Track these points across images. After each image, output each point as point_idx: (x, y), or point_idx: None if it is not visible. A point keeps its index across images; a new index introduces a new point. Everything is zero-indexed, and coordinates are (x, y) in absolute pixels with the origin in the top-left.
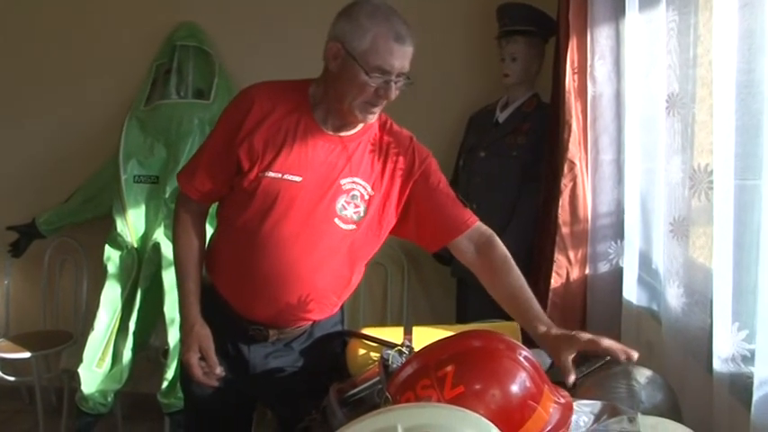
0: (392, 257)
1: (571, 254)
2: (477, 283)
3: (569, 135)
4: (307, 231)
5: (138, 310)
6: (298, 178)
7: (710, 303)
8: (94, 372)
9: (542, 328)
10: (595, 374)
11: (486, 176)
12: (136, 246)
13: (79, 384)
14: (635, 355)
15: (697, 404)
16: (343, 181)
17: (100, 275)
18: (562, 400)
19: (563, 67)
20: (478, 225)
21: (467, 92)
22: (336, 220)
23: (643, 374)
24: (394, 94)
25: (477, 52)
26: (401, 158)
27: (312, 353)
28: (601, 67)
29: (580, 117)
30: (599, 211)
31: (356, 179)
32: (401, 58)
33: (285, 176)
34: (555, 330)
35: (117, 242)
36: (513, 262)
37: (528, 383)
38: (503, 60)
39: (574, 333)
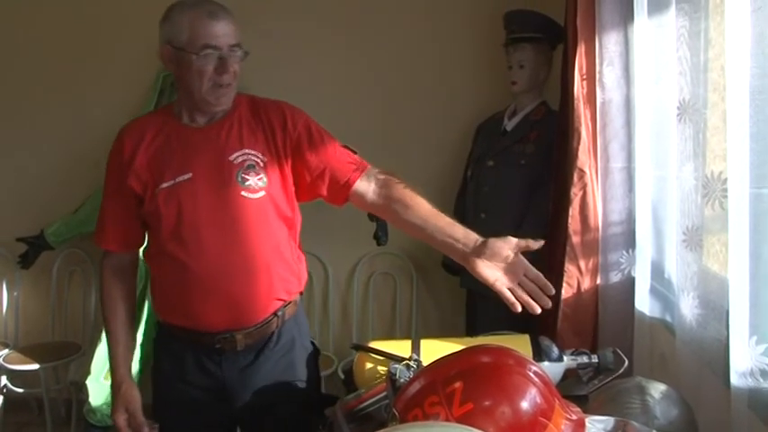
0: (401, 268)
1: (582, 264)
2: (488, 293)
3: (579, 143)
4: (220, 216)
5: (146, 322)
6: (188, 175)
7: (726, 315)
8: (102, 384)
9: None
10: (607, 389)
11: (494, 185)
12: (142, 258)
13: (87, 396)
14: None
15: (714, 420)
16: (232, 157)
17: None
18: (574, 417)
19: (571, 73)
20: (372, 168)
21: (474, 100)
22: (243, 193)
23: (657, 389)
24: (232, 66)
25: (484, 60)
26: (275, 121)
27: (284, 364)
28: (610, 74)
29: (589, 124)
30: (610, 220)
31: (245, 150)
32: (223, 32)
33: (177, 180)
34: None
35: None
36: (422, 198)
37: (538, 399)
38: (510, 68)
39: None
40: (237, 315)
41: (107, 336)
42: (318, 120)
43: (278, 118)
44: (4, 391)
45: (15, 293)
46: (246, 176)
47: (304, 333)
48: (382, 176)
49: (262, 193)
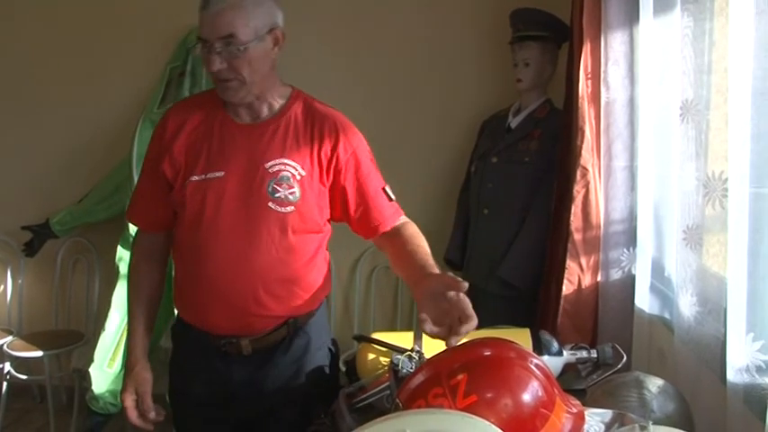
0: None
1: (583, 261)
2: (489, 288)
3: (582, 141)
4: (242, 223)
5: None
6: (220, 173)
7: (724, 312)
8: (105, 372)
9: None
10: (606, 383)
11: (497, 182)
12: None
13: (90, 384)
14: (464, 285)
15: (710, 415)
16: (268, 164)
17: (112, 276)
18: (574, 410)
19: (576, 72)
20: (404, 218)
21: (479, 97)
22: (271, 204)
23: (655, 384)
24: (217, 61)
25: (490, 57)
26: (327, 137)
27: (294, 370)
28: (614, 73)
29: (593, 123)
30: (611, 218)
31: (284, 160)
32: (210, 24)
33: (208, 176)
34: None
35: (129, 243)
36: (422, 237)
37: (540, 392)
38: (515, 65)
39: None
40: (242, 323)
41: (128, 315)
42: None
43: (331, 135)
44: (8, 377)
45: (19, 281)
46: (278, 187)
47: (322, 338)
48: (403, 221)
49: (290, 208)
